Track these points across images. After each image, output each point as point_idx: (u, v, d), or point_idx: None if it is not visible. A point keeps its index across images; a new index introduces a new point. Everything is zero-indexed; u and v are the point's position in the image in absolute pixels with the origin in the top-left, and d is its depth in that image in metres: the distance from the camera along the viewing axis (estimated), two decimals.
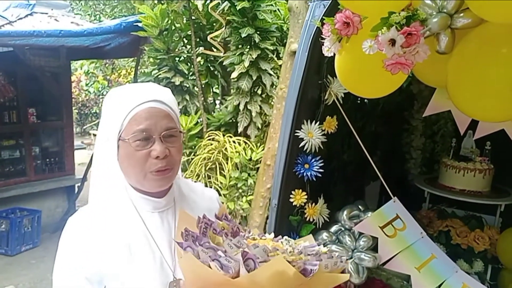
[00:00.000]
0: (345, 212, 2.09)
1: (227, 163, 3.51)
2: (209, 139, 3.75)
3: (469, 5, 1.05)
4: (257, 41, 3.60)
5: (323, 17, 1.47)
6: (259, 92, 3.85)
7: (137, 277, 0.99)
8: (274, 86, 3.74)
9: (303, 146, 1.96)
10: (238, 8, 3.50)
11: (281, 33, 3.87)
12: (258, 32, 3.61)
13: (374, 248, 1.94)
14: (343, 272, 1.00)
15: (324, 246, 1.05)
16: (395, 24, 1.06)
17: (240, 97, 3.75)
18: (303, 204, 2.01)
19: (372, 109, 2.88)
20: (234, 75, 3.68)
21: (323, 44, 1.40)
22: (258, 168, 3.30)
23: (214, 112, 4.43)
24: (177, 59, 4.12)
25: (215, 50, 4.18)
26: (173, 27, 4.14)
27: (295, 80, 1.89)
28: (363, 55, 1.12)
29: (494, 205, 2.56)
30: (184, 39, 4.32)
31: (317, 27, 1.69)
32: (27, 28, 4.29)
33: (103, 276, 0.98)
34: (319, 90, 1.97)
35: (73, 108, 8.10)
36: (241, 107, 3.73)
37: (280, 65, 3.33)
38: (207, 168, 3.59)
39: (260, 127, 3.78)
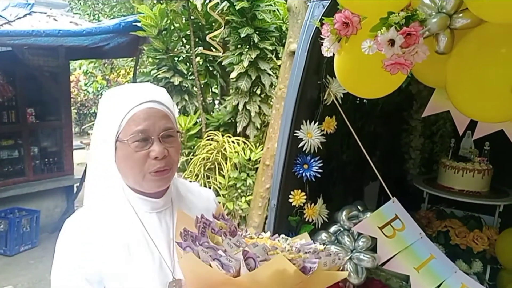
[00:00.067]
0: (344, 213, 2.09)
1: (226, 163, 3.51)
2: (208, 139, 3.75)
3: (468, 6, 1.05)
4: (256, 41, 3.60)
5: (322, 17, 1.46)
6: (258, 92, 3.85)
7: (137, 278, 0.99)
8: (273, 86, 3.75)
9: (302, 146, 1.96)
10: (237, 8, 3.50)
11: (280, 33, 3.87)
12: (257, 32, 3.60)
13: (373, 248, 1.94)
14: (341, 269, 1.01)
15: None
16: (394, 25, 1.05)
17: (239, 97, 3.75)
18: (302, 205, 2.01)
19: (371, 109, 2.88)
20: (233, 75, 3.68)
21: (322, 44, 1.40)
22: (257, 168, 3.30)
23: (213, 112, 4.43)
24: (176, 59, 4.12)
25: (214, 50, 4.18)
26: (172, 27, 4.14)
27: (294, 80, 1.89)
28: (362, 55, 1.12)
29: (493, 205, 2.57)
30: (183, 39, 4.32)
31: (316, 27, 1.69)
32: (26, 27, 4.28)
33: (103, 276, 0.98)
34: (318, 90, 1.97)
35: (72, 108, 8.09)
36: (240, 107, 3.73)
37: (279, 65, 3.33)
38: (206, 168, 3.59)
39: (259, 127, 3.78)
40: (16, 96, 5.28)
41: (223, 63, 3.87)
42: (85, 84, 12.78)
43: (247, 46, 3.67)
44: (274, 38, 3.81)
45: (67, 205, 5.86)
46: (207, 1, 3.92)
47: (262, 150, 3.28)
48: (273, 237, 1.07)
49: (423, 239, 1.86)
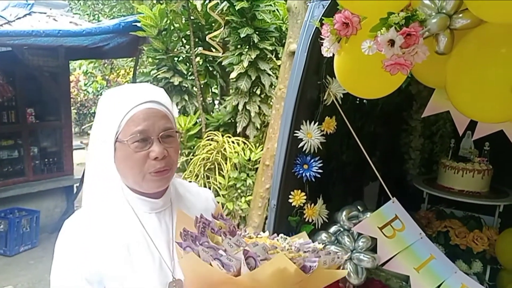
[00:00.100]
0: (344, 213, 2.09)
1: (226, 163, 3.51)
2: (208, 139, 3.75)
3: (468, 6, 1.05)
4: (256, 41, 3.60)
5: (322, 18, 1.46)
6: (258, 92, 3.85)
7: (137, 278, 0.99)
8: (273, 87, 3.74)
9: (302, 146, 1.96)
10: (237, 8, 3.50)
11: (280, 33, 3.87)
12: (257, 32, 3.60)
13: (373, 248, 1.93)
14: (340, 268, 1.01)
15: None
16: (394, 25, 1.05)
17: (239, 97, 3.74)
18: (302, 205, 2.01)
19: (371, 109, 2.88)
20: (233, 75, 3.68)
21: (322, 45, 1.40)
22: (257, 168, 3.30)
23: (213, 112, 4.43)
24: (176, 59, 4.12)
25: (214, 50, 4.18)
26: (172, 27, 4.14)
27: (294, 81, 1.89)
28: (362, 55, 1.12)
29: (492, 205, 2.57)
30: (183, 39, 4.32)
31: (316, 27, 1.69)
32: (26, 27, 4.28)
33: (103, 276, 0.98)
34: (318, 91, 1.97)
35: (72, 108, 8.09)
36: (240, 107, 3.73)
37: (279, 65, 3.33)
38: (206, 168, 3.59)
39: (259, 127, 3.78)
40: (16, 96, 5.28)
41: (223, 63, 3.87)
42: (85, 84, 12.78)
43: (247, 46, 3.67)
44: (274, 38, 3.81)
45: (67, 205, 5.86)
46: (207, 1, 3.92)
47: (262, 150, 3.28)
48: (271, 237, 1.08)
49: (423, 240, 1.86)
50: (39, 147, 5.71)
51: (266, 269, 0.84)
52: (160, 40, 3.96)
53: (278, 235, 1.08)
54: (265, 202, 3.01)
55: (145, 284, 1.00)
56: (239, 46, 3.69)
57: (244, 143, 3.64)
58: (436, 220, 2.67)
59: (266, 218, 2.92)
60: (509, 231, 2.38)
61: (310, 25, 1.81)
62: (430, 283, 1.78)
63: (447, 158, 2.80)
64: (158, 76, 4.01)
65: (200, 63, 4.41)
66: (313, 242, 1.08)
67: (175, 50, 4.12)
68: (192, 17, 4.08)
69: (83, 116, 13.31)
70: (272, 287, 0.87)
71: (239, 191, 3.47)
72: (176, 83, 3.98)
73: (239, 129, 3.76)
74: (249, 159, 3.49)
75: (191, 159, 3.72)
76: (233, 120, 3.94)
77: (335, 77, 1.61)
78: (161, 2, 4.06)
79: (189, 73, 4.24)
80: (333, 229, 2.08)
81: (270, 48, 3.69)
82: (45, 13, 5.01)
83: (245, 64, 3.56)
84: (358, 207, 2.14)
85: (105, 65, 11.68)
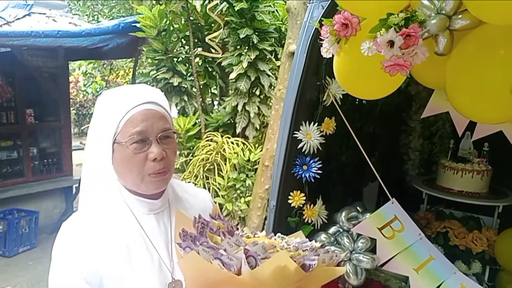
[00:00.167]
0: (343, 214, 2.09)
1: (225, 164, 3.51)
2: (207, 140, 3.75)
3: (467, 7, 1.05)
4: (255, 42, 3.60)
5: (322, 18, 1.46)
6: (257, 93, 3.85)
7: (136, 279, 0.99)
8: (272, 87, 3.74)
9: (302, 147, 1.96)
10: (236, 9, 3.49)
11: (280, 34, 3.87)
12: (256, 33, 3.60)
13: (372, 249, 1.93)
14: (338, 266, 1.02)
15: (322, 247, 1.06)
16: (393, 26, 1.05)
17: (238, 98, 3.74)
18: (301, 206, 2.01)
19: (370, 110, 2.88)
20: (232, 76, 3.68)
21: (321, 46, 1.40)
22: (256, 169, 3.30)
23: (212, 113, 4.43)
24: (175, 59, 4.12)
25: (213, 51, 4.18)
26: (171, 28, 4.14)
27: (293, 81, 1.89)
28: (361, 56, 1.12)
29: (492, 206, 2.57)
30: (182, 40, 4.31)
31: (315, 28, 1.69)
32: (25, 28, 4.28)
33: (102, 277, 0.97)
34: (318, 91, 1.97)
35: (71, 108, 8.09)
36: (239, 108, 3.73)
37: (279, 66, 3.33)
38: (205, 169, 3.59)
39: (258, 128, 3.78)
40: (15, 97, 5.28)
41: (222, 64, 3.86)
42: (84, 85, 12.78)
43: (246, 47, 3.67)
44: (273, 39, 3.81)
45: (66, 206, 5.85)
46: (206, 2, 3.92)
47: (261, 151, 3.28)
48: (269, 236, 1.08)
49: (422, 240, 1.86)
50: (38, 147, 5.71)
51: (267, 267, 0.85)
52: (159, 40, 3.96)
53: (275, 235, 1.08)
54: (264, 203, 3.01)
55: (145, 285, 1.00)
56: (238, 47, 3.69)
57: (244, 143, 3.63)
58: (436, 221, 2.68)
59: (265, 219, 2.92)
60: (508, 232, 2.39)
61: (309, 26, 1.81)
62: (430, 284, 1.78)
63: (447, 159, 2.80)
64: (157, 77, 4.00)
65: (200, 63, 4.41)
66: (308, 240, 1.09)
67: (175, 50, 4.12)
68: (191, 18, 4.08)
69: (82, 116, 13.31)
70: (272, 286, 0.88)
71: (238, 191, 3.47)
72: (175, 83, 3.98)
73: (238, 130, 3.76)
74: (249, 160, 3.49)
75: (190, 159, 3.72)
76: (232, 121, 3.94)
77: (334, 78, 1.61)
78: (160, 2, 4.05)
79: (189, 74, 4.24)
80: (332, 230, 2.08)
81: (269, 48, 3.69)
82: (44, 13, 5.01)
83: (245, 64, 3.56)
84: (358, 208, 2.14)
85: (105, 65, 11.67)
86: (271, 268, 0.85)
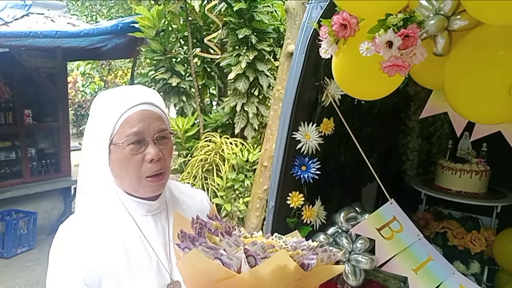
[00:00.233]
0: (342, 214, 2.09)
1: (224, 165, 3.51)
2: (206, 141, 3.75)
3: (466, 7, 1.05)
4: (254, 42, 3.60)
5: (320, 19, 1.46)
6: (256, 93, 3.85)
7: (135, 281, 0.99)
8: (271, 88, 3.75)
9: (300, 148, 1.95)
10: (235, 9, 3.50)
11: (278, 34, 3.88)
12: (255, 33, 3.61)
13: (371, 250, 1.93)
14: (336, 264, 1.03)
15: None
16: (392, 26, 1.05)
17: (237, 98, 3.75)
18: (300, 206, 2.01)
19: (369, 110, 2.88)
20: (231, 76, 3.68)
21: (320, 46, 1.39)
22: (255, 169, 3.30)
23: (211, 113, 4.43)
24: (173, 60, 4.12)
25: (212, 51, 4.18)
26: (170, 28, 4.14)
27: (292, 82, 1.88)
28: (360, 57, 1.12)
29: (490, 206, 2.57)
30: (181, 40, 4.32)
31: (314, 28, 1.69)
32: (23, 29, 4.27)
33: (101, 278, 0.97)
34: (316, 92, 1.97)
35: (70, 109, 8.07)
36: (238, 108, 3.73)
37: (277, 67, 3.34)
38: (204, 170, 3.59)
39: (257, 128, 3.78)
40: (13, 97, 5.28)
41: (221, 64, 3.87)
42: (83, 85, 12.75)
43: (245, 47, 3.67)
44: (272, 39, 3.81)
45: (65, 207, 5.85)
46: (204, 3, 3.92)
47: (260, 151, 3.28)
48: (266, 236, 1.09)
49: (421, 241, 1.86)
50: (36, 148, 5.70)
51: (267, 266, 0.85)
52: (158, 41, 3.96)
53: (272, 235, 1.08)
54: (263, 203, 3.01)
55: (143, 286, 1.00)
56: (237, 47, 3.70)
57: (242, 144, 3.63)
58: (434, 221, 2.67)
59: (264, 219, 2.92)
60: (507, 232, 2.39)
61: (308, 26, 1.81)
62: (428, 285, 1.78)
63: (445, 159, 2.80)
64: (156, 77, 4.01)
65: (198, 64, 4.41)
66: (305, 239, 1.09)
67: (173, 51, 4.12)
68: (190, 18, 4.08)
69: (81, 117, 13.29)
70: (272, 285, 0.88)
71: (237, 192, 3.46)
72: (174, 84, 3.98)
73: (237, 130, 3.76)
74: (247, 160, 3.49)
75: (189, 160, 3.72)
76: (231, 121, 3.94)
77: (333, 79, 1.61)
78: (159, 3, 4.06)
79: (187, 74, 4.24)
80: (331, 230, 2.08)
81: (268, 49, 3.69)
82: (42, 14, 5.00)
83: (243, 65, 3.56)
84: (356, 208, 2.14)
85: (103, 66, 11.66)
86: (271, 267, 0.85)
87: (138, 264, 1.01)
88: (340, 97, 1.94)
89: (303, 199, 2.00)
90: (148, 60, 4.33)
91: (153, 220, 1.07)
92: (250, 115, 3.72)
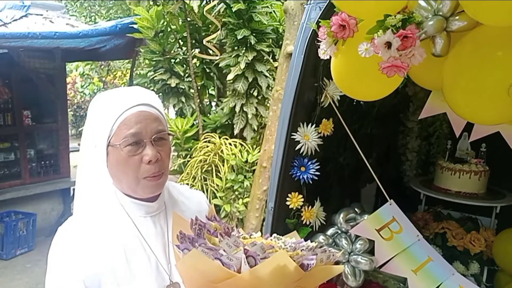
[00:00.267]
0: (341, 215, 2.09)
1: (223, 165, 3.51)
2: (205, 141, 3.75)
3: (464, 8, 1.05)
4: (253, 43, 3.60)
5: (319, 20, 1.46)
6: (255, 94, 3.85)
7: (135, 282, 0.99)
8: (270, 88, 3.75)
9: (300, 148, 1.95)
10: (233, 10, 3.50)
11: (277, 35, 3.88)
12: (253, 34, 3.61)
13: (370, 251, 1.93)
14: (336, 264, 1.03)
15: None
16: (391, 27, 1.05)
17: (236, 99, 3.75)
18: (299, 207, 2.01)
19: (368, 111, 2.88)
20: (230, 77, 3.68)
21: (319, 47, 1.40)
22: (254, 170, 3.30)
23: (210, 114, 4.43)
24: (172, 61, 4.12)
25: (211, 52, 4.18)
26: (169, 29, 4.14)
27: (291, 82, 1.88)
28: (359, 58, 1.12)
29: (489, 207, 2.57)
30: (180, 41, 4.32)
31: (313, 29, 1.69)
32: (22, 29, 4.27)
33: (100, 280, 0.97)
34: (315, 93, 1.97)
35: (68, 110, 8.07)
36: (237, 109, 3.73)
37: (276, 67, 3.33)
38: (203, 170, 3.58)
39: (256, 129, 3.78)
40: (12, 98, 5.27)
41: (220, 65, 3.87)
42: (82, 86, 12.75)
43: (244, 48, 3.67)
44: (270, 40, 3.81)
45: (64, 208, 5.84)
46: (203, 3, 3.92)
47: (259, 152, 3.28)
48: (265, 236, 1.09)
49: (420, 241, 1.86)
50: (35, 149, 5.70)
51: (267, 267, 0.86)
52: (156, 42, 3.96)
53: (270, 235, 1.08)
54: (262, 204, 3.01)
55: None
56: (236, 48, 3.70)
57: (241, 145, 3.63)
58: (433, 222, 2.67)
59: (263, 220, 2.92)
60: (506, 232, 2.39)
61: (307, 27, 1.81)
62: (428, 285, 1.77)
63: (444, 160, 2.80)
64: (155, 78, 4.00)
65: (197, 64, 4.41)
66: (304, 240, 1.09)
67: (172, 52, 4.12)
68: (189, 19, 4.08)
69: (80, 118, 13.28)
70: (272, 285, 0.88)
71: (236, 193, 3.46)
72: (173, 85, 3.98)
73: (236, 131, 3.76)
74: (246, 161, 3.49)
75: (188, 161, 3.71)
76: (230, 122, 3.94)
77: (332, 79, 1.61)
78: (157, 3, 4.05)
79: (186, 75, 4.24)
80: (330, 231, 2.08)
81: (267, 49, 3.69)
82: (41, 15, 5.00)
83: (242, 65, 3.57)
84: (356, 209, 2.14)
85: (102, 67, 11.66)
86: (271, 267, 0.85)
87: (137, 265, 1.00)
88: (339, 98, 1.94)
89: (302, 200, 2.00)
90: (147, 61, 4.33)
91: (152, 222, 1.07)
92: (249, 116, 3.72)
